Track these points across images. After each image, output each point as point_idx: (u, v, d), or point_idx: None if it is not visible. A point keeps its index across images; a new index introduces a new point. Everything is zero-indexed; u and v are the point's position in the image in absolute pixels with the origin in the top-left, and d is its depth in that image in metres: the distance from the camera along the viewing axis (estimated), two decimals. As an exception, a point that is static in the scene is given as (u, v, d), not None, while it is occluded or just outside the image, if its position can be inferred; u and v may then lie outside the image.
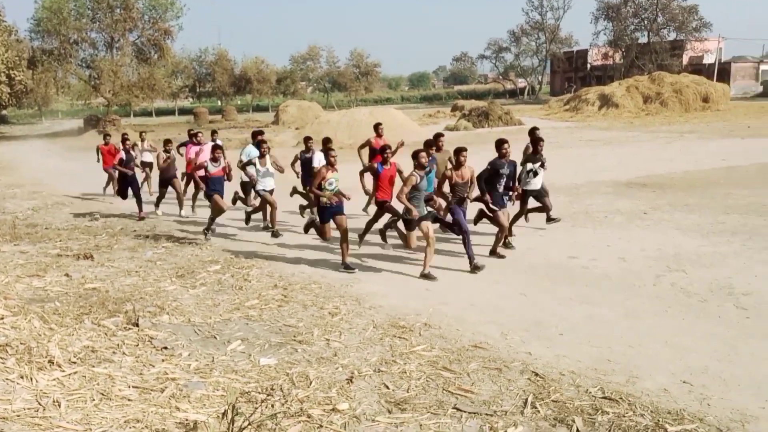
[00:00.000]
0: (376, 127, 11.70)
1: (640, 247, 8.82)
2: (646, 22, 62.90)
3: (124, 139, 13.29)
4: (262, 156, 10.34)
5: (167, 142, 13.07)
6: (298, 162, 11.16)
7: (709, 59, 60.26)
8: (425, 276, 7.78)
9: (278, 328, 6.23)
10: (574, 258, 8.50)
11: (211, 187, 10.24)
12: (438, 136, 9.76)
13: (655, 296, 6.89)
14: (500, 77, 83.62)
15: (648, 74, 44.47)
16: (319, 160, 10.51)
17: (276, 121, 44.11)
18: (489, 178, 8.37)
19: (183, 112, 68.18)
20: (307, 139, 11.31)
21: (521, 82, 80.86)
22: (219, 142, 14.25)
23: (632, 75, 49.17)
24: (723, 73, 56.32)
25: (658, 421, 4.26)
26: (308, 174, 10.46)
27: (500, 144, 8.58)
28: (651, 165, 16.78)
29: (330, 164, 8.31)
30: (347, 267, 8.21)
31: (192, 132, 13.85)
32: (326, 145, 10.44)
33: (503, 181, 8.43)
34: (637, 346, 5.57)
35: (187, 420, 4.32)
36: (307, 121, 36.59)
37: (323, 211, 8.32)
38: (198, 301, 7.14)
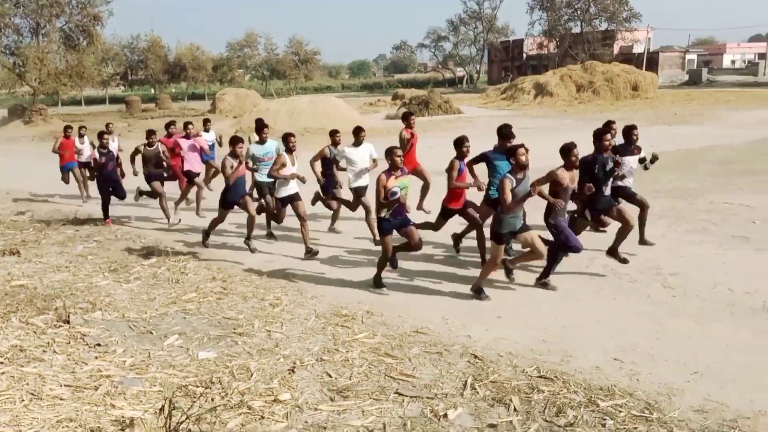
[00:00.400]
0: (407, 117, 9.42)
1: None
2: (579, 12, 64.69)
3: (101, 134, 10.72)
4: (289, 152, 8.29)
5: (150, 133, 10.67)
6: (321, 161, 8.92)
7: (638, 49, 62.57)
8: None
9: (217, 321, 6.12)
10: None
11: (233, 192, 8.24)
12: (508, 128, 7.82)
13: (589, 278, 7.14)
14: (439, 66, 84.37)
15: (581, 63, 45.78)
16: (360, 155, 8.66)
17: (213, 109, 43.09)
18: (594, 178, 6.94)
19: (114, 100, 65.74)
20: (334, 133, 8.93)
21: (460, 71, 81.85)
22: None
23: (566, 64, 50.47)
24: (651, 62, 58.61)
25: (591, 397, 4.43)
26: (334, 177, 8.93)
27: (601, 134, 7.10)
28: (583, 152, 17.29)
29: (394, 167, 6.65)
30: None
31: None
32: (359, 134, 8.66)
33: (609, 181, 7.11)
34: (571, 327, 5.76)
35: (122, 417, 4.20)
36: (246, 109, 35.94)
37: (383, 223, 6.78)
38: (132, 295, 6.93)
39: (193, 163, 10.97)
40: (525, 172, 6.39)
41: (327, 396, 4.56)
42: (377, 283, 6.98)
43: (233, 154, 8.15)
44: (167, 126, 11.84)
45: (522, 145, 6.47)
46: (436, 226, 7.76)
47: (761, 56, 74.95)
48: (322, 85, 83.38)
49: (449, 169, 7.29)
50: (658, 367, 4.91)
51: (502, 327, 5.81)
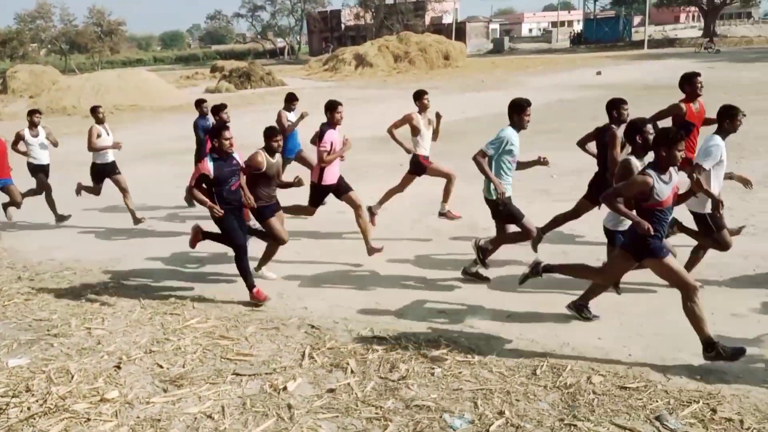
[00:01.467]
0: (692, 79, 6.35)
1: (399, 195, 9.49)
2: (391, -18, 66.52)
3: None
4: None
5: (273, 133, 6.01)
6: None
7: (447, 19, 66.02)
8: None
9: (27, 324, 5.55)
10: (342, 212, 8.86)
11: None
12: None
13: (414, 238, 7.55)
14: (259, 37, 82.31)
15: (396, 34, 47.32)
16: None
17: (4, 89, 38.14)
18: None
19: None
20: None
21: (280, 42, 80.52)
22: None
23: (383, 35, 51.88)
24: (460, 32, 62.16)
25: (420, 349, 4.73)
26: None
27: None
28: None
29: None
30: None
31: (335, 105, 6.93)
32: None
33: None
34: (400, 285, 6.06)
35: None
36: (43, 87, 32.31)
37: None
38: None
39: (335, 173, 6.97)
40: None
41: (159, 387, 4.37)
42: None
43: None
44: (215, 110, 8.32)
45: None
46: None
47: (554, 24, 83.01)
48: (131, 59, 77.44)
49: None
50: (479, 314, 5.36)
51: (336, 295, 5.94)
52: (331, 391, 4.22)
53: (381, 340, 4.93)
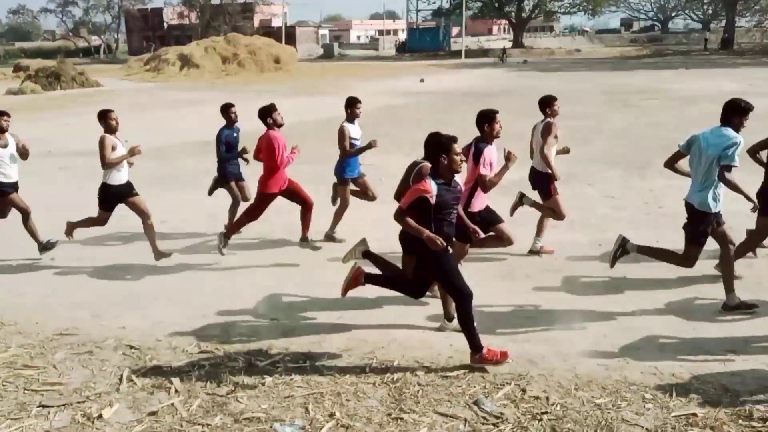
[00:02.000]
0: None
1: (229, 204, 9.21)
2: (217, -18, 64.67)
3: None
4: None
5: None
6: None
7: (277, 23, 65.62)
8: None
9: None
10: (165, 222, 8.40)
11: None
12: None
13: (244, 246, 7.37)
14: (70, 34, 75.64)
15: (224, 35, 46.08)
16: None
17: None
18: None
19: None
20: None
21: (95, 40, 74.62)
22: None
23: (209, 36, 50.27)
24: (290, 36, 62.06)
25: (251, 360, 4.62)
26: None
27: None
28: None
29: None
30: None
31: (491, 115, 5.78)
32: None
33: None
34: (229, 296, 5.88)
35: None
36: None
37: None
38: None
39: (483, 199, 5.95)
40: None
41: (-53, 432, 3.82)
42: None
43: None
44: (264, 114, 7.26)
45: None
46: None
47: (380, 33, 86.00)
48: None
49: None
50: (312, 316, 5.37)
51: (159, 311, 5.59)
52: (153, 413, 3.96)
53: (209, 354, 4.73)
